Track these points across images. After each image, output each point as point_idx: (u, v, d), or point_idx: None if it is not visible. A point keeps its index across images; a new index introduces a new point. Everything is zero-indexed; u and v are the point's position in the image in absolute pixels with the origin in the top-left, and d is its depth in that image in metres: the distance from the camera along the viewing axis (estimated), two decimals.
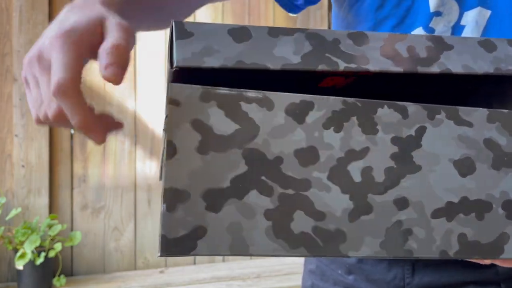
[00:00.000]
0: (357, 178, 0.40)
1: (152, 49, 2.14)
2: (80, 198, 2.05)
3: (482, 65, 0.44)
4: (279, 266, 2.14)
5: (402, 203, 0.40)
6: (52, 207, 1.99)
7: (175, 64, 0.38)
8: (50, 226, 1.86)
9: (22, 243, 1.79)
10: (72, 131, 2.03)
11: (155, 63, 2.15)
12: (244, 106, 0.39)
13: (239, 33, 0.40)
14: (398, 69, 0.42)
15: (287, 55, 0.40)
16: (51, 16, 1.98)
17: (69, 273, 2.01)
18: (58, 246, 1.83)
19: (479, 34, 0.57)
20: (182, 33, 0.39)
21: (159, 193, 2.14)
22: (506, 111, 0.44)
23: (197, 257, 2.18)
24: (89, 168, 2.06)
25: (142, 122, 2.13)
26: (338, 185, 0.39)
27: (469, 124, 0.43)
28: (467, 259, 0.42)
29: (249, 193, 0.38)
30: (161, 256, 0.36)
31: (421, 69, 0.42)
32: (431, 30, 0.58)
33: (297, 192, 0.39)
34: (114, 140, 2.09)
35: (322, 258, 0.79)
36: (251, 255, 0.37)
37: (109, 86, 2.08)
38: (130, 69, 2.11)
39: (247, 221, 0.37)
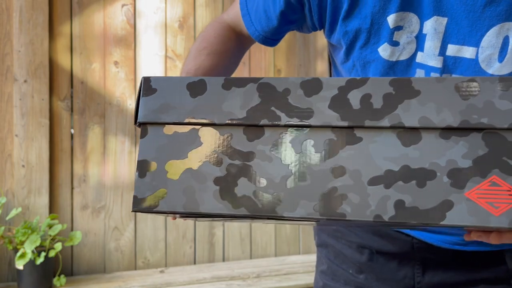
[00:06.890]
0: (297, 150, 0.45)
1: (153, 49, 2.15)
2: (80, 198, 2.05)
3: (446, 117, 0.43)
4: (279, 266, 2.15)
5: (339, 172, 0.44)
6: (52, 207, 2.00)
7: (138, 121, 0.48)
8: (50, 226, 1.87)
9: (22, 243, 1.79)
10: (72, 131, 2.04)
11: (155, 63, 2.15)
12: None
13: (196, 87, 0.47)
14: (343, 123, 0.45)
15: (234, 110, 0.47)
16: (51, 16, 1.98)
17: (69, 273, 2.02)
18: (58, 246, 1.83)
19: (440, 40, 0.61)
20: (147, 89, 0.48)
21: None
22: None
23: (197, 257, 2.19)
24: (89, 168, 2.06)
25: None
26: (279, 156, 0.45)
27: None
28: (404, 224, 0.43)
29: (202, 164, 0.46)
30: (132, 211, 0.46)
31: (368, 123, 0.44)
32: (396, 43, 0.63)
33: (243, 162, 0.46)
34: (114, 140, 2.09)
35: (333, 259, 0.81)
36: (200, 213, 0.45)
37: (109, 86, 2.08)
38: (130, 69, 2.11)
39: (199, 186, 0.46)
